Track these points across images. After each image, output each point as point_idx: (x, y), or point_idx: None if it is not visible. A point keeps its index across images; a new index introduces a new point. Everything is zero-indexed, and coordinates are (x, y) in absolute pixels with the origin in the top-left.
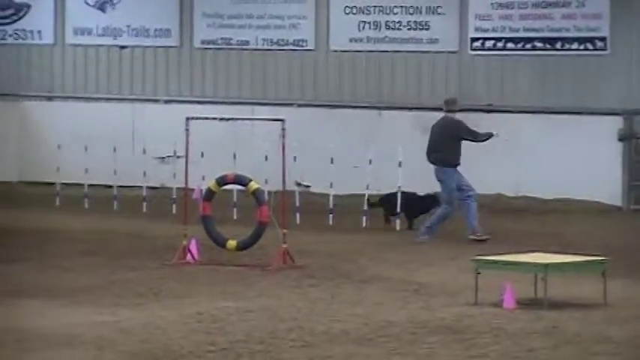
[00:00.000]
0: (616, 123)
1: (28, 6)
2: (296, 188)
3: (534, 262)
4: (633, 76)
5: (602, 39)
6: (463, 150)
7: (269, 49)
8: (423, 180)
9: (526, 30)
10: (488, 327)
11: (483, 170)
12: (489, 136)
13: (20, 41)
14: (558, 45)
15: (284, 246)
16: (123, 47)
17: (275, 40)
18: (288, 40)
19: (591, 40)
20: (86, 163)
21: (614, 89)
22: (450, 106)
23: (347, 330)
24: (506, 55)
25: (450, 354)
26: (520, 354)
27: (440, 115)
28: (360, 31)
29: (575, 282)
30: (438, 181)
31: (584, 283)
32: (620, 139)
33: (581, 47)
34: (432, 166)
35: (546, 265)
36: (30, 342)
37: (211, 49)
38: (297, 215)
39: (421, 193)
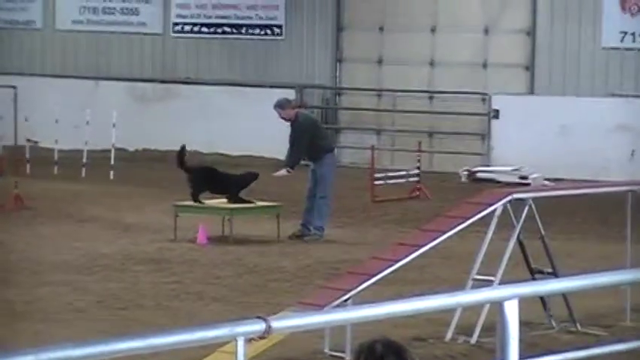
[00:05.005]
0: (289, 94)
1: None
2: (27, 143)
3: (222, 207)
4: (303, 57)
5: (279, 26)
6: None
7: (2, 28)
8: (132, 139)
9: (218, 17)
10: (184, 259)
11: (181, 131)
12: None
13: None
14: (243, 30)
15: (16, 191)
16: None
17: (8, 20)
18: (19, 21)
19: (270, 27)
20: None
21: (288, 67)
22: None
23: (68, 260)
24: (202, 37)
25: (152, 280)
26: (210, 280)
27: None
28: (81, 14)
29: (255, 223)
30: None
31: (262, 224)
32: None
33: (262, 33)
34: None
35: (232, 209)
36: None
37: None
38: (28, 166)
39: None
